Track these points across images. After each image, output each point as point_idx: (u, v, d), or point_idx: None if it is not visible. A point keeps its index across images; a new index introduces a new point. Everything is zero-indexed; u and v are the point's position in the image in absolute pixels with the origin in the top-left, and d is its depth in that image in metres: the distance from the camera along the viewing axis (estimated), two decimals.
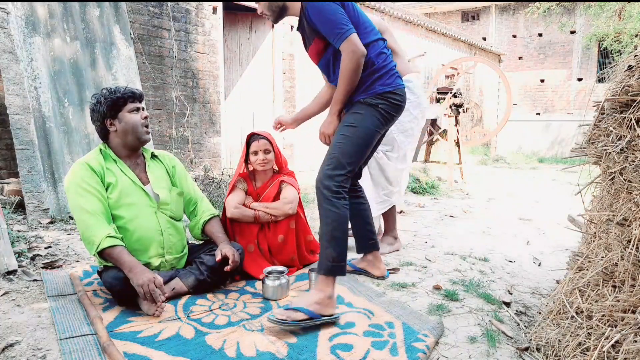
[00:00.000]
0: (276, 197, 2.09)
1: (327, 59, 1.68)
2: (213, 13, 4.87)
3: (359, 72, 1.55)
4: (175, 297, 1.70)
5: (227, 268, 1.71)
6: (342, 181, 1.57)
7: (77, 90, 3.30)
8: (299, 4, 1.62)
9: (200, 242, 1.98)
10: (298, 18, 1.66)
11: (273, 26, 5.70)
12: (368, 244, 1.98)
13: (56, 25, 3.28)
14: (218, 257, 1.71)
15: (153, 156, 1.87)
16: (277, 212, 2.01)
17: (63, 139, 3.15)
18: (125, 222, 1.67)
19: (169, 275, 1.74)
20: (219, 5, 4.91)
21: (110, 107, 1.69)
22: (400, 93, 1.68)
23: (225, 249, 1.74)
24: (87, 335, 1.40)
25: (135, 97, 1.74)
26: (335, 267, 1.53)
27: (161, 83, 4.35)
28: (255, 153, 2.07)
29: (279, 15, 1.68)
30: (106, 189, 1.67)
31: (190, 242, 2.00)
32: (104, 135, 1.75)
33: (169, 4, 4.37)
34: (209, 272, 1.74)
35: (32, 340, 1.36)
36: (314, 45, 1.66)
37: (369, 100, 1.62)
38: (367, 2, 7.19)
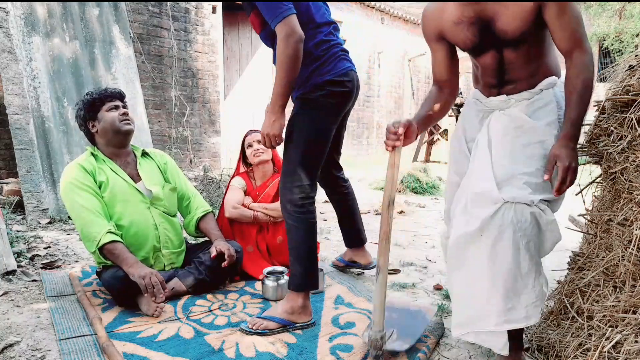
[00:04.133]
0: (276, 197, 2.08)
1: (267, 32, 1.48)
2: (213, 12, 4.86)
3: (298, 58, 1.34)
4: (174, 297, 1.69)
5: (224, 264, 1.71)
6: (305, 191, 1.47)
7: (77, 90, 3.29)
8: None
9: (199, 241, 1.97)
10: None
11: None
12: (355, 240, 1.98)
13: (55, 25, 3.27)
14: (213, 254, 1.71)
15: (144, 154, 1.87)
16: (276, 213, 2.00)
17: (62, 138, 3.14)
18: (118, 219, 1.68)
19: (167, 275, 1.73)
20: (219, 4, 4.90)
21: (88, 109, 1.72)
22: (343, 79, 1.47)
23: (220, 245, 1.74)
24: (87, 335, 1.39)
25: (113, 96, 1.75)
26: (304, 283, 1.48)
27: (160, 82, 4.34)
28: (250, 145, 2.07)
29: None
30: (99, 188, 1.68)
31: (189, 242, 1.99)
32: (91, 138, 1.78)
33: (169, 3, 4.37)
34: (207, 272, 1.73)
35: (31, 341, 1.36)
36: (253, 17, 1.46)
37: (307, 95, 1.46)
38: (367, 2, 7.19)
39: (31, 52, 3.10)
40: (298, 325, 1.47)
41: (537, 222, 1.08)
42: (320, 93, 1.46)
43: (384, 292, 1.19)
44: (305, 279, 1.48)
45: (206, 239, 1.92)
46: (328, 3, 1.63)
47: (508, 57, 1.18)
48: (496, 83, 1.23)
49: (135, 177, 1.78)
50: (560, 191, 1.04)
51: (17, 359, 1.26)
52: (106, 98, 1.73)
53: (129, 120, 1.75)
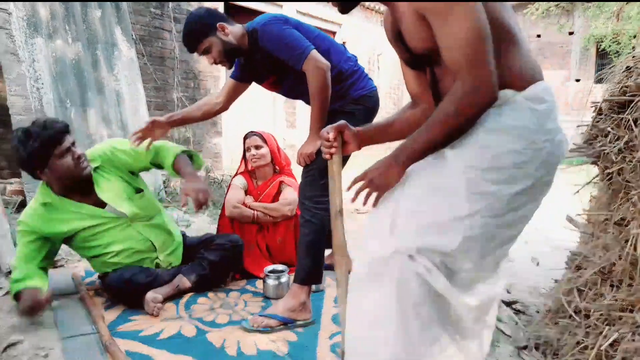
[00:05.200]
0: (276, 197, 2.10)
1: (289, 85, 1.63)
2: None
3: (328, 86, 1.47)
4: (177, 295, 1.71)
5: (195, 209, 1.56)
6: (325, 190, 1.52)
7: (79, 91, 3.31)
8: (245, 34, 1.54)
9: (200, 237, 1.92)
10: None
11: None
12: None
13: (58, 27, 3.29)
14: (182, 203, 1.56)
15: (95, 169, 1.64)
16: (276, 213, 2.02)
17: None
18: (108, 252, 1.64)
19: (171, 273, 1.74)
20: (220, 5, 4.93)
21: (34, 158, 1.46)
22: (373, 95, 1.62)
23: (187, 190, 1.54)
24: (89, 334, 1.41)
25: (58, 137, 1.47)
26: (311, 277, 1.53)
27: (162, 84, 4.36)
28: (248, 149, 2.10)
29: (234, 59, 1.57)
30: (71, 236, 1.61)
31: (189, 237, 1.95)
32: (39, 178, 1.57)
33: (170, 5, 4.39)
34: (210, 267, 1.74)
35: (34, 339, 1.37)
36: (273, 79, 1.62)
37: (344, 108, 1.58)
38: (367, 2, 7.22)
39: (34, 54, 3.12)
40: (298, 322, 1.50)
41: (430, 285, 0.80)
42: (357, 107, 1.59)
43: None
44: (312, 273, 1.53)
45: (202, 237, 1.91)
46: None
47: (438, 74, 0.92)
48: (437, 104, 0.93)
49: (100, 203, 1.62)
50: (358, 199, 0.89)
51: (21, 357, 1.27)
52: (53, 144, 1.45)
53: (86, 162, 1.56)
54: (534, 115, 0.81)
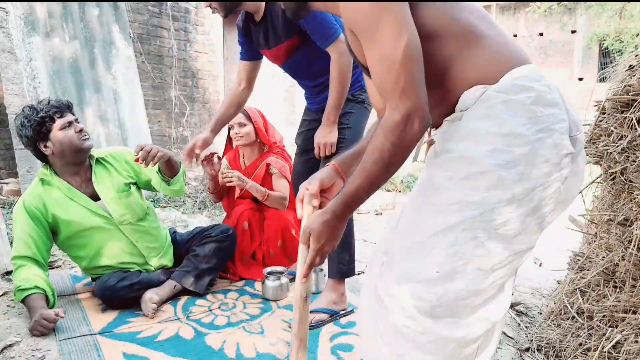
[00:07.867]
0: (265, 178, 2.02)
1: (297, 58, 1.55)
2: (213, 12, 4.86)
3: (350, 72, 1.46)
4: (175, 297, 1.69)
5: (144, 164, 1.54)
6: None
7: (77, 90, 3.29)
8: None
9: (191, 232, 1.89)
10: (255, 11, 1.51)
11: None
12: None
13: (55, 25, 3.27)
14: (135, 157, 1.54)
15: (98, 161, 1.67)
16: (260, 195, 1.93)
17: None
18: (91, 251, 1.62)
19: (159, 274, 1.70)
20: None
21: (37, 130, 1.51)
22: None
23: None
24: (86, 335, 1.40)
25: (62, 110, 1.54)
26: (348, 270, 1.57)
27: (160, 83, 4.34)
28: (232, 127, 2.02)
29: (230, 11, 1.51)
30: (56, 223, 1.57)
31: (179, 234, 1.92)
32: (42, 157, 1.59)
33: (169, 3, 4.37)
34: (204, 262, 1.72)
35: (31, 341, 1.36)
36: (287, 44, 1.51)
37: (356, 96, 1.57)
38: None
39: (31, 52, 3.10)
40: (341, 313, 1.56)
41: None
42: (366, 95, 1.56)
43: None
44: (350, 266, 1.58)
45: (192, 232, 1.87)
46: None
47: None
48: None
49: (95, 195, 1.63)
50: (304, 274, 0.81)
51: (17, 359, 1.26)
52: (56, 114, 1.52)
53: (87, 135, 1.59)
54: (509, 107, 0.69)
